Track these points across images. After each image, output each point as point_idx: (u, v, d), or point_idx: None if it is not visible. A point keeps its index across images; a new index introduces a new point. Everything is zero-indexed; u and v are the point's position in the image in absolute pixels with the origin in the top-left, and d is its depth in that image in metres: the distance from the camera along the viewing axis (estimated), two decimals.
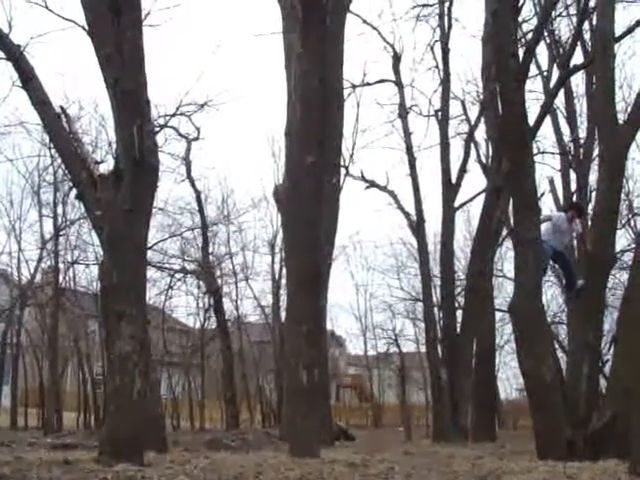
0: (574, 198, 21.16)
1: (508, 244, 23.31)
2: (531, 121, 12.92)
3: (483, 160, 22.50)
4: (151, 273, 24.45)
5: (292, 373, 9.14)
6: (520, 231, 10.03)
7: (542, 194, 19.48)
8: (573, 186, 21.58)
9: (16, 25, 12.21)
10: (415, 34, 29.62)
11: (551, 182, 22.85)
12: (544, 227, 11.26)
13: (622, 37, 14.15)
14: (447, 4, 21.33)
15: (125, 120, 8.15)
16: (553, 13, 16.34)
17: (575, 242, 14.56)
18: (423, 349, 27.30)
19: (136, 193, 8.14)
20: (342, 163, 20.03)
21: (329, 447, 12.61)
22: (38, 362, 29.41)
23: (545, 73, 21.71)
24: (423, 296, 21.97)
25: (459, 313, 19.97)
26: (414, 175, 21.47)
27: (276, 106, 47.91)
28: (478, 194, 21.75)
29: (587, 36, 18.26)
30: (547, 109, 16.75)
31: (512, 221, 13.01)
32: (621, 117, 12.05)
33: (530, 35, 15.80)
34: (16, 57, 10.17)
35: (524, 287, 9.79)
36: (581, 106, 21.69)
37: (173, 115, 23.30)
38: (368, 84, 23.38)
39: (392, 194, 23.33)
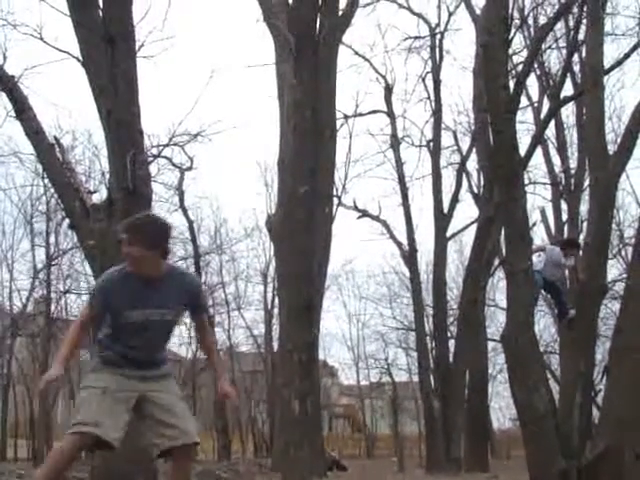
0: (565, 228, 21.25)
1: (500, 274, 23.34)
2: (522, 152, 12.99)
3: (475, 190, 22.58)
4: None
5: (285, 403, 9.13)
6: (511, 261, 10.04)
7: (534, 224, 19.58)
8: (564, 216, 21.68)
9: (10, 56, 12.26)
10: (407, 66, 29.86)
11: (542, 212, 22.99)
12: (537, 257, 11.28)
13: (611, 69, 14.29)
14: (438, 37, 21.59)
15: (118, 150, 8.19)
16: (543, 46, 16.49)
17: (567, 273, 14.59)
18: (416, 379, 27.22)
19: None
20: (334, 193, 20.10)
21: (321, 478, 12.53)
22: (29, 392, 29.20)
23: (536, 104, 21.88)
24: (416, 325, 21.97)
25: (452, 343, 19.97)
26: (406, 205, 21.57)
27: (269, 136, 48.25)
28: (470, 224, 21.85)
29: (577, 68, 18.46)
30: (538, 140, 16.90)
31: (504, 251, 13.07)
32: (611, 148, 12.12)
33: (521, 67, 15.95)
34: (10, 88, 10.22)
35: (516, 317, 9.78)
36: (571, 137, 21.88)
37: (166, 145, 23.26)
38: (360, 115, 23.57)
39: (384, 224, 23.42)
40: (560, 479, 8.83)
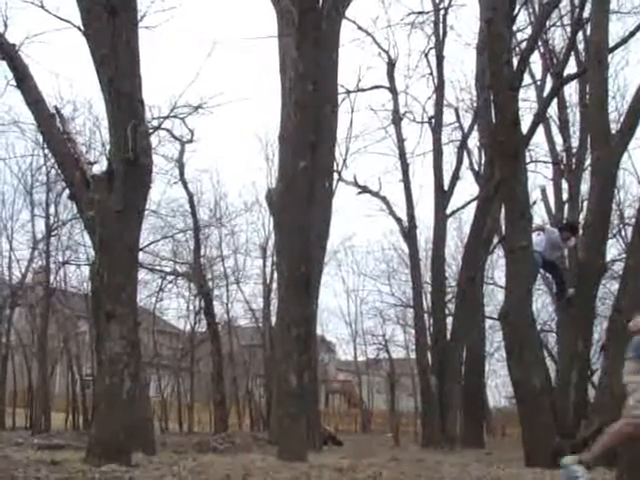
0: (566, 207, 21.24)
1: (499, 252, 23.39)
2: (524, 130, 12.98)
3: (476, 168, 22.57)
4: (142, 275, 24.43)
5: (282, 377, 9.15)
6: (511, 239, 10.08)
7: (534, 202, 19.58)
8: (565, 195, 21.65)
9: (11, 24, 12.21)
10: (410, 41, 29.54)
11: (543, 191, 22.98)
12: (536, 237, 11.29)
13: (616, 47, 14.26)
14: (442, 12, 21.43)
15: (119, 121, 8.15)
16: (547, 23, 16.40)
17: (567, 252, 14.60)
18: (413, 355, 27.33)
19: (129, 194, 8.13)
20: (335, 168, 20.06)
21: (317, 452, 12.61)
22: (27, 362, 29.32)
23: (539, 82, 21.77)
24: (414, 302, 22.01)
25: (449, 320, 20.01)
26: (406, 181, 21.53)
27: (270, 110, 48.05)
28: (470, 201, 21.82)
29: (581, 46, 18.34)
30: (540, 118, 16.83)
31: (503, 229, 13.08)
32: (614, 127, 12.10)
33: (524, 44, 15.89)
34: (11, 56, 10.18)
35: (515, 295, 9.83)
36: (574, 115, 21.77)
37: (167, 117, 23.25)
38: (362, 90, 23.44)
39: (384, 200, 23.41)
40: (554, 456, 8.89)
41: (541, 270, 12.27)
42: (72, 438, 14.98)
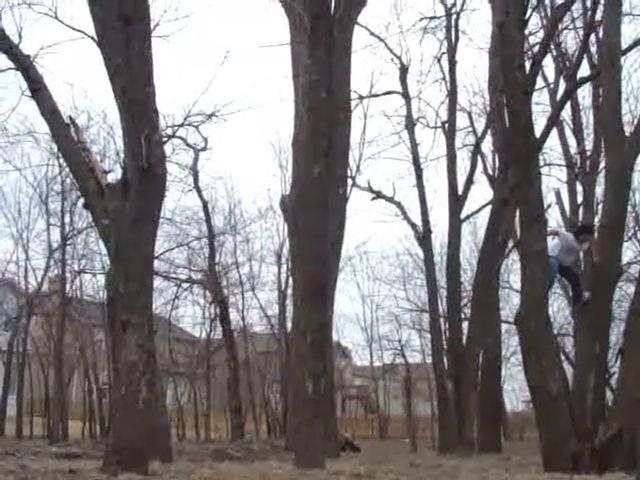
0: (580, 210, 21.15)
1: (514, 256, 23.29)
2: (538, 133, 12.94)
3: (490, 172, 22.51)
4: (158, 283, 24.53)
5: (298, 383, 9.16)
6: (526, 243, 10.03)
7: (548, 206, 19.50)
8: (579, 198, 21.56)
9: (26, 35, 12.33)
10: (422, 46, 29.52)
11: (557, 194, 22.87)
12: (551, 242, 11.24)
13: (629, 50, 14.20)
14: (454, 17, 21.42)
15: (133, 130, 8.17)
16: (560, 26, 16.37)
17: (582, 255, 14.54)
18: (429, 360, 27.25)
19: (143, 202, 8.16)
20: (349, 174, 20.07)
21: (334, 458, 12.60)
22: (44, 371, 29.46)
23: (552, 85, 21.70)
24: (429, 307, 21.95)
25: (465, 324, 19.96)
26: (421, 186, 21.50)
27: (284, 117, 48.15)
28: (485, 206, 21.79)
29: (593, 49, 18.30)
30: (554, 121, 16.79)
31: (518, 233, 13.03)
32: (627, 129, 12.04)
33: (537, 47, 15.84)
34: (26, 67, 10.25)
35: (530, 299, 9.78)
36: (587, 118, 21.70)
37: (181, 125, 23.35)
38: (375, 95, 23.50)
39: (399, 205, 23.38)
40: (573, 460, 8.85)
41: (558, 275, 12.18)
42: (89, 447, 15.06)
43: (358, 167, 23.78)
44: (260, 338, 36.00)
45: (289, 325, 25.59)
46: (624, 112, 13.47)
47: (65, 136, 9.93)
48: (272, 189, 43.78)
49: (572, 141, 22.27)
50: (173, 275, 27.40)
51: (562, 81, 20.32)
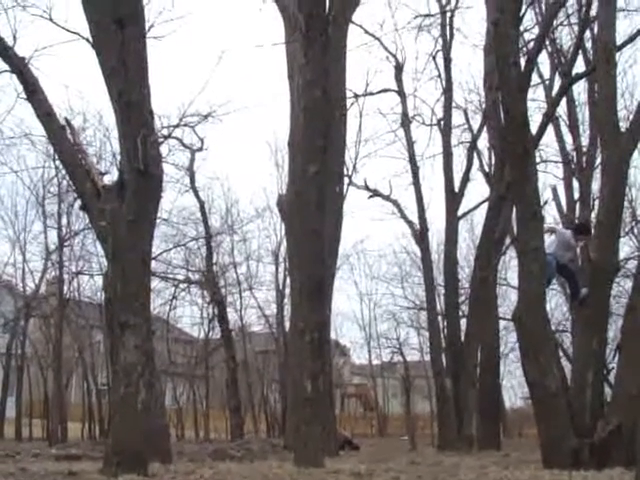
0: (577, 206, 21.17)
1: (512, 252, 23.30)
2: (533, 130, 12.97)
3: (486, 169, 22.54)
4: (155, 283, 24.47)
5: (297, 382, 9.16)
6: (523, 240, 10.05)
7: (545, 202, 19.48)
8: (576, 194, 21.59)
9: (20, 37, 12.28)
10: (417, 44, 29.61)
11: (554, 190, 22.87)
12: (548, 239, 11.25)
13: (624, 45, 14.19)
14: (449, 14, 21.43)
15: (129, 131, 8.18)
16: (554, 22, 16.37)
17: (579, 252, 14.57)
18: (427, 358, 27.28)
19: (140, 204, 8.16)
20: (345, 172, 20.08)
21: (334, 457, 12.60)
22: (43, 373, 29.43)
23: (547, 82, 21.71)
24: (427, 305, 21.95)
25: (463, 322, 19.96)
26: (417, 184, 21.50)
27: (279, 116, 48.13)
28: (481, 203, 21.80)
29: (589, 45, 18.31)
30: (549, 117, 16.79)
31: (515, 230, 13.05)
32: (623, 125, 12.05)
33: (532, 44, 15.85)
34: (21, 69, 10.22)
35: (528, 295, 9.80)
36: (583, 114, 21.73)
37: (177, 126, 23.31)
38: (371, 94, 23.46)
39: (395, 203, 23.39)
40: (572, 456, 8.86)
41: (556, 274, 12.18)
42: (89, 448, 15.04)
43: (354, 165, 23.82)
44: (258, 338, 36.00)
45: (287, 324, 25.60)
46: (619, 108, 13.51)
47: (61, 138, 9.90)
48: (269, 188, 43.72)
49: (568, 137, 22.34)
50: (171, 276, 27.33)
51: (557, 77, 20.34)
